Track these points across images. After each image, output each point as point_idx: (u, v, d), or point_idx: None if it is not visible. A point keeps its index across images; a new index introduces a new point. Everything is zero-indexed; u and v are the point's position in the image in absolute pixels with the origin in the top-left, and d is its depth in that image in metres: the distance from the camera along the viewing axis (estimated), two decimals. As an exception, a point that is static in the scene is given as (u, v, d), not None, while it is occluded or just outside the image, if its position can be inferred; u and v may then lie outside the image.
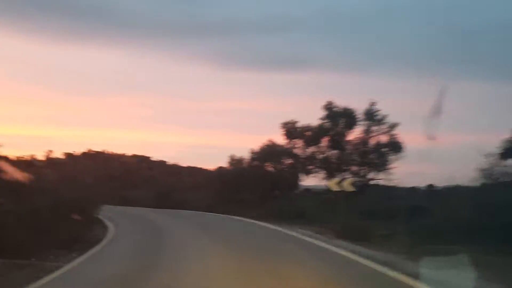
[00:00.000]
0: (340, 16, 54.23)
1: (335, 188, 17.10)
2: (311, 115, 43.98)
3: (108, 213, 21.22)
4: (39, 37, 75.34)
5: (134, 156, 63.99)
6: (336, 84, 55.98)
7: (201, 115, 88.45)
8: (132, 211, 28.55)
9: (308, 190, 30.12)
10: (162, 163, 64.29)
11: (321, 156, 26.80)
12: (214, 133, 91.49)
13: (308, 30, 57.10)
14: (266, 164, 30.06)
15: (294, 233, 15.50)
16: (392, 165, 25.13)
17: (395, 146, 24.90)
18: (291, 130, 27.57)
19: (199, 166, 54.23)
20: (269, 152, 29.79)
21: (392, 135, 25.17)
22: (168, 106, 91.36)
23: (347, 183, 17.04)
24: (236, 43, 67.46)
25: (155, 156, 68.59)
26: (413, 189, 24.69)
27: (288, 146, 28.21)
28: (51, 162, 50.79)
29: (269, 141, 29.74)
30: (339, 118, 25.97)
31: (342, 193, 16.89)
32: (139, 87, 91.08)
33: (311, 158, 27.22)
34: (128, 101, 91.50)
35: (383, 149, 25.34)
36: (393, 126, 25.05)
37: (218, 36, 68.38)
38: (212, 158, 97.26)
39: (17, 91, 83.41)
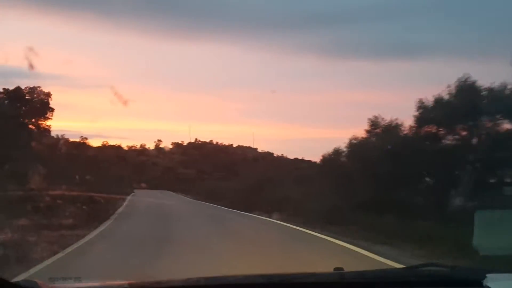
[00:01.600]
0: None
1: None
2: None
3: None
4: (151, 35, 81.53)
5: (240, 147, 75.83)
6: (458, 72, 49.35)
7: (308, 107, 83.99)
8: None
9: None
10: (268, 155, 73.90)
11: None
12: (321, 126, 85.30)
13: (428, 15, 52.40)
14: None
15: None
16: None
17: None
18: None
19: (307, 158, 49.41)
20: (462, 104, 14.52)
21: None
22: (276, 99, 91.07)
23: None
24: (345, 32, 67.20)
25: (262, 148, 75.53)
26: None
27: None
28: (159, 151, 72.13)
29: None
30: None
31: None
32: (247, 81, 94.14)
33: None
34: (236, 95, 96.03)
35: None
36: None
37: (326, 26, 68.67)
38: (319, 151, 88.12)
39: (131, 88, 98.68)
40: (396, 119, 16.82)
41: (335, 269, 2.30)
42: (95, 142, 69.12)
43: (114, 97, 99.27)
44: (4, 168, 18.45)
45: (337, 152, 19.78)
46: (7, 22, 76.03)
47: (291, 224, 15.96)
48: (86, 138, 69.76)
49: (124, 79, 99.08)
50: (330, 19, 62.76)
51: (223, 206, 26.62)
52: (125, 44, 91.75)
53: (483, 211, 7.11)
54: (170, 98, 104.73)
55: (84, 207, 16.05)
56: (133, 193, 40.25)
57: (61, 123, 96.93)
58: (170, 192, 51.11)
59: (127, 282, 2.16)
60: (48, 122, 25.15)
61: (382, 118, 17.05)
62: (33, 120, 24.32)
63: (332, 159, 20.09)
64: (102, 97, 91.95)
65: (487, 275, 1.94)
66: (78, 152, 41.75)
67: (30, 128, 24.42)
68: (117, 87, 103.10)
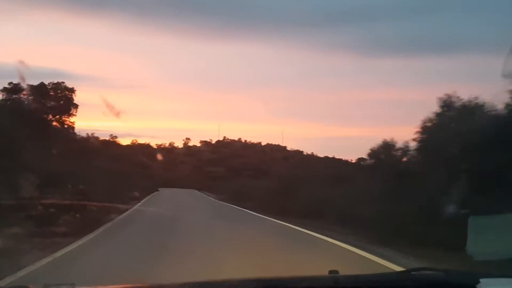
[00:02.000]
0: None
1: None
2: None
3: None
4: (180, 36, 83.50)
5: (268, 146, 75.04)
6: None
7: (340, 106, 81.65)
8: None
9: None
10: (298, 153, 72.88)
11: None
12: (355, 124, 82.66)
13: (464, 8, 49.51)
14: None
15: None
16: None
17: None
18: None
19: (338, 157, 47.91)
20: None
21: None
22: (306, 98, 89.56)
23: None
24: (378, 29, 65.31)
25: (291, 146, 74.35)
26: None
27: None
28: (188, 149, 72.07)
29: None
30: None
31: None
32: (277, 80, 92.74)
33: None
34: (266, 94, 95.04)
35: None
36: None
37: (355, 24, 66.57)
38: (351, 150, 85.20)
39: (161, 88, 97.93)
40: (475, 97, 12.25)
41: (330, 272, 2.27)
42: (125, 141, 69.83)
43: (144, 96, 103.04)
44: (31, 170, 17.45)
45: (390, 147, 16.15)
46: (41, 24, 78.43)
47: (365, 251, 9.45)
48: (115, 137, 70.35)
49: (154, 79, 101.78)
50: (360, 16, 60.78)
51: (250, 210, 22.19)
52: (155, 45, 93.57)
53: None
54: (199, 97, 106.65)
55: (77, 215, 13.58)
56: (156, 192, 40.42)
57: (93, 123, 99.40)
58: (196, 191, 50.16)
59: (120, 286, 2.19)
60: (72, 119, 24.71)
61: (458, 97, 12.58)
62: (57, 116, 23.89)
63: (388, 155, 15.86)
64: (133, 97, 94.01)
65: (481, 279, 1.95)
66: (106, 150, 41.42)
67: (55, 125, 23.98)
68: (147, 87, 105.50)
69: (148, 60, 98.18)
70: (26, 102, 22.41)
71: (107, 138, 55.51)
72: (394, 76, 72.25)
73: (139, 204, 24.98)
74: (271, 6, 66.38)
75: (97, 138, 47.99)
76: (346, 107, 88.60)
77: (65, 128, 24.47)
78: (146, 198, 30.38)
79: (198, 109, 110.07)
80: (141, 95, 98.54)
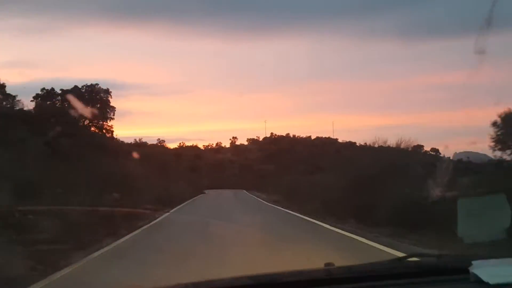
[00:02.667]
0: None
1: None
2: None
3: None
4: (222, 38, 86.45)
5: (318, 139, 72.37)
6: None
7: (390, 94, 77.08)
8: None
9: None
10: (350, 144, 69.80)
11: None
12: (399, 112, 77.12)
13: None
14: None
15: None
16: None
17: None
18: None
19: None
20: None
21: None
22: (355, 88, 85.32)
23: None
24: (422, 11, 60.89)
25: (343, 138, 71.71)
26: None
27: None
28: (236, 148, 70.86)
29: None
30: None
31: None
32: (319, 72, 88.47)
33: None
34: (316, 88, 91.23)
35: None
36: None
37: (402, 7, 62.04)
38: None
39: (206, 91, 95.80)
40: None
41: (326, 264, 2.24)
42: (173, 145, 69.84)
43: (191, 101, 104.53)
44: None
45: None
46: (86, 39, 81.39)
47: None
48: (163, 141, 70.17)
49: (198, 83, 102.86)
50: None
51: (315, 219, 15.86)
52: (197, 49, 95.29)
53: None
54: (243, 97, 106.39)
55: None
56: (201, 195, 37.66)
57: (142, 130, 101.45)
58: (244, 192, 47.15)
59: None
60: (110, 123, 23.33)
61: None
62: (95, 121, 22.57)
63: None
64: (180, 102, 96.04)
65: (473, 262, 1.96)
66: (154, 154, 40.30)
67: (93, 130, 22.66)
68: (193, 91, 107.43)
69: (191, 65, 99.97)
70: (60, 107, 21.20)
71: (155, 143, 55.40)
72: (443, 59, 67.59)
73: (174, 210, 21.16)
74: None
75: (145, 143, 47.49)
76: (392, 95, 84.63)
77: (103, 133, 23.11)
78: (185, 203, 27.00)
79: (243, 109, 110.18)
80: (187, 100, 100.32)
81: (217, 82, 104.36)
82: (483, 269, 1.88)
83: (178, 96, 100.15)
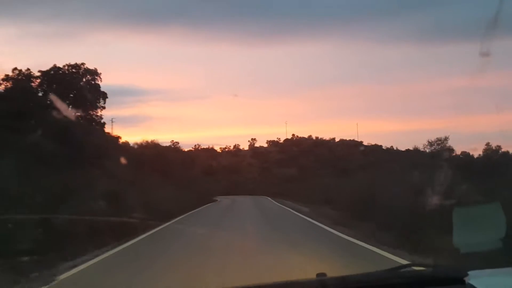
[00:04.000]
0: None
1: None
2: None
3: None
4: (238, 43, 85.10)
5: (342, 141, 67.82)
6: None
7: (410, 99, 74.21)
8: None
9: None
10: (376, 147, 65.34)
11: None
12: (426, 117, 74.94)
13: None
14: None
15: None
16: None
17: None
18: None
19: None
20: None
21: None
22: (376, 92, 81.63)
23: None
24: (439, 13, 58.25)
25: (368, 141, 67.80)
26: None
27: None
28: (255, 151, 66.59)
29: None
30: None
31: None
32: (338, 77, 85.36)
33: None
34: (338, 92, 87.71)
35: None
36: None
37: (418, 11, 59.03)
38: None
39: (223, 95, 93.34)
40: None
41: (318, 275, 2.16)
42: (187, 147, 66.93)
43: (209, 106, 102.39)
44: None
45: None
46: (105, 44, 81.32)
47: None
48: (177, 143, 66.45)
49: (217, 87, 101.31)
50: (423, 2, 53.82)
51: None
52: (213, 54, 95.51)
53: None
54: (263, 101, 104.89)
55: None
56: (209, 204, 29.31)
57: (163, 136, 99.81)
58: (269, 200, 35.80)
59: None
60: (100, 112, 19.14)
61: None
62: (83, 110, 18.34)
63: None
64: (197, 108, 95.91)
65: (469, 272, 1.92)
66: (162, 157, 36.02)
67: (79, 121, 18.38)
68: (211, 97, 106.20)
69: (209, 70, 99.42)
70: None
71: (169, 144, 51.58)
72: (462, 62, 64.05)
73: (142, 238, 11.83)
74: (324, 3, 62.67)
75: (157, 144, 43.43)
76: (415, 99, 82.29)
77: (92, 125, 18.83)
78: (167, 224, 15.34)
79: (263, 113, 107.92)
80: (205, 105, 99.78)
81: (236, 86, 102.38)
82: (480, 279, 1.85)
83: (196, 102, 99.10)
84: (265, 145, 67.98)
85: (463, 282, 1.84)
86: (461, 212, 5.60)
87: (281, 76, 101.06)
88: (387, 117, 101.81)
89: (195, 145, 69.10)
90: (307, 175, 46.24)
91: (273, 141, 67.48)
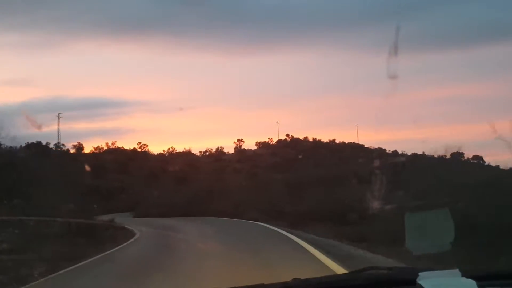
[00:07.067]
0: None
1: None
2: None
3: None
4: (222, 53, 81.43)
5: (342, 144, 59.68)
6: None
7: (408, 108, 70.12)
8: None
9: None
10: (380, 151, 57.35)
11: None
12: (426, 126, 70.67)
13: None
14: None
15: None
16: None
17: None
18: None
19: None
20: None
21: None
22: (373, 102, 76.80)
23: None
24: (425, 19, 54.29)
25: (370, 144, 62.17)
26: None
27: None
28: (241, 154, 56.69)
29: None
30: None
31: None
32: (336, 86, 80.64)
33: None
34: (328, 102, 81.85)
35: None
36: None
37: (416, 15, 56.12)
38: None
39: (209, 106, 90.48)
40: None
41: (293, 280, 2.17)
42: (156, 150, 58.34)
43: (193, 117, 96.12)
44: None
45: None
46: (85, 54, 76.70)
47: None
48: (145, 145, 56.80)
49: (201, 98, 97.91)
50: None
51: None
52: (197, 64, 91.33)
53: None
54: (249, 113, 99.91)
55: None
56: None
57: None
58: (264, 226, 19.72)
59: None
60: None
61: None
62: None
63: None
64: (182, 119, 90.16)
65: (420, 273, 2.02)
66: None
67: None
68: (195, 108, 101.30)
69: (192, 81, 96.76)
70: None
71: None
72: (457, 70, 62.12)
73: None
74: (308, 11, 60.25)
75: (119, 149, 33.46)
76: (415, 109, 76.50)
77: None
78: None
79: (249, 125, 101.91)
80: (188, 117, 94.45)
81: (220, 98, 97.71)
82: (429, 280, 1.95)
83: (179, 113, 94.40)
84: (254, 147, 59.45)
85: (414, 283, 1.94)
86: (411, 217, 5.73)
87: (267, 86, 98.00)
88: (399, 126, 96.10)
89: (168, 148, 59.89)
90: (307, 183, 36.23)
91: (264, 142, 58.84)
